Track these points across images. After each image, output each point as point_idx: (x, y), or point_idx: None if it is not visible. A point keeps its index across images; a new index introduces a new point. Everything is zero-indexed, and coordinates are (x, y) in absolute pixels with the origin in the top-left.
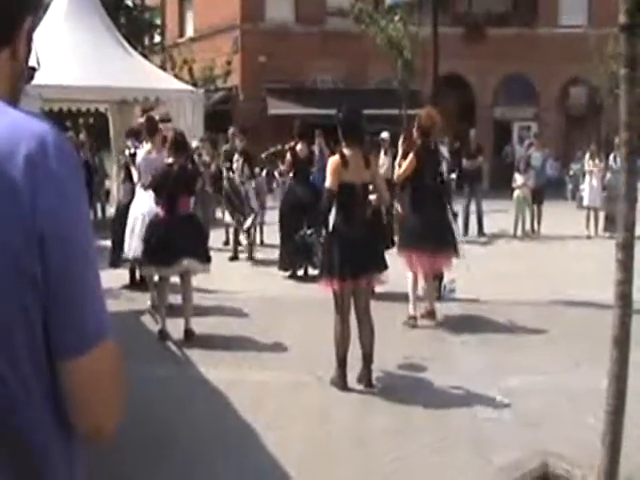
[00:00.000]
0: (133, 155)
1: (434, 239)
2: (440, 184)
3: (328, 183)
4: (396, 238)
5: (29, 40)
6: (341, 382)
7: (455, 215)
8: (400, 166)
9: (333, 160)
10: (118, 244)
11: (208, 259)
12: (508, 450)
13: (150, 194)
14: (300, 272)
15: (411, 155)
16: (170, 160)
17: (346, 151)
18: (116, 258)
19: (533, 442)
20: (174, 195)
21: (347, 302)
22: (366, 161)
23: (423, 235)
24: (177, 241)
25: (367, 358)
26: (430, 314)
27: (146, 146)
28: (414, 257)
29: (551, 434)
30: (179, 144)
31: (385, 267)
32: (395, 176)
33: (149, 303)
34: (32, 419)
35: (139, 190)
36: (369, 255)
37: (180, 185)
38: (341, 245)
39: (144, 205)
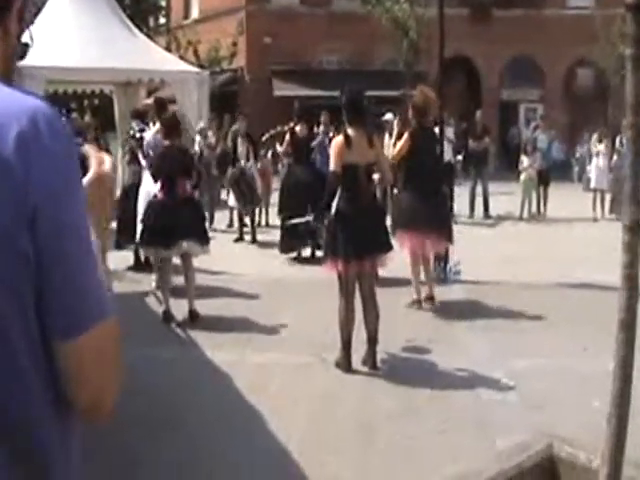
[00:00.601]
0: (140, 139)
1: (426, 220)
2: (437, 165)
3: (332, 166)
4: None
5: (20, 18)
6: (346, 364)
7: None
8: (395, 146)
9: (336, 141)
10: (123, 226)
11: (207, 241)
12: (512, 432)
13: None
14: (306, 253)
15: (406, 135)
16: (166, 142)
17: (350, 131)
18: (122, 240)
19: (538, 425)
20: (172, 177)
21: (352, 284)
22: (370, 141)
23: (415, 216)
24: (176, 223)
25: (372, 340)
26: (429, 299)
27: (154, 127)
28: (406, 237)
29: (556, 417)
30: (171, 126)
31: (390, 248)
32: (390, 156)
33: (154, 285)
34: (31, 415)
35: (147, 173)
36: (373, 236)
37: (178, 167)
38: (345, 227)
39: (151, 187)
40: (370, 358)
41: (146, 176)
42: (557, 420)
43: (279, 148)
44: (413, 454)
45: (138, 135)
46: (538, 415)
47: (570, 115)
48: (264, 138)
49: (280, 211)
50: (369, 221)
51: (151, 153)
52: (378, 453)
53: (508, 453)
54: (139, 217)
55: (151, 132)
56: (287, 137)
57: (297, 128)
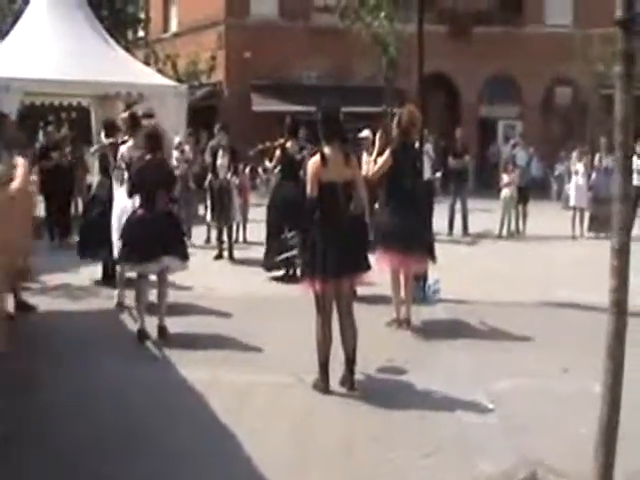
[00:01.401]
0: (113, 144)
1: (407, 239)
2: (418, 183)
3: (308, 189)
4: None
5: None
6: (323, 385)
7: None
8: (375, 162)
9: (312, 162)
10: (85, 237)
11: (187, 256)
12: (494, 456)
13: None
14: (290, 272)
15: (387, 152)
16: (148, 156)
17: (326, 150)
18: (85, 251)
19: (519, 448)
20: (152, 191)
21: (329, 303)
22: (346, 159)
23: (395, 234)
24: (157, 238)
25: (350, 361)
26: (405, 321)
27: (129, 141)
28: (386, 256)
29: (538, 440)
30: (153, 139)
31: (368, 267)
32: (370, 173)
33: (115, 301)
34: None
35: (118, 187)
36: (351, 255)
37: (158, 181)
38: (323, 245)
39: (124, 201)
40: (348, 379)
41: (119, 191)
42: (539, 443)
43: (268, 164)
44: (392, 478)
45: (112, 140)
46: (519, 438)
47: (549, 132)
48: (251, 152)
49: (268, 227)
50: (348, 240)
51: (123, 166)
52: (358, 477)
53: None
54: (114, 232)
55: (125, 146)
56: (277, 153)
57: (288, 144)
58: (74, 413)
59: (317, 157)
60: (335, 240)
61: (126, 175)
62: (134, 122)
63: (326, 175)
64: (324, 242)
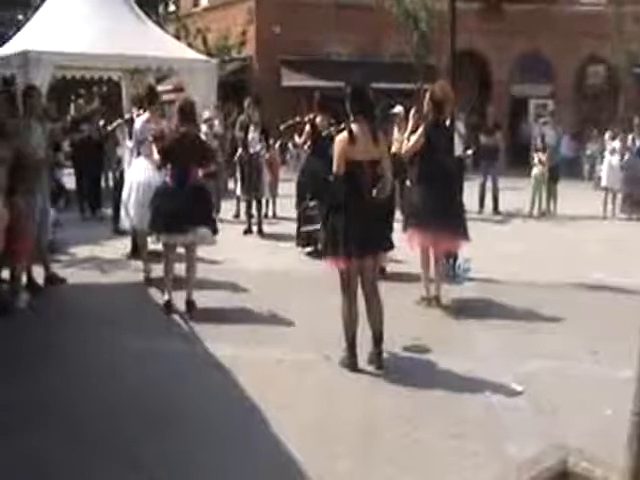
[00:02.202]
0: (129, 120)
1: (438, 218)
2: (451, 161)
3: (335, 167)
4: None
5: None
6: (351, 363)
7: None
8: (409, 140)
9: (339, 139)
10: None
11: (215, 231)
12: (522, 438)
13: (146, 163)
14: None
15: (420, 129)
16: (182, 129)
17: (354, 127)
18: (117, 223)
19: (548, 431)
20: (185, 165)
21: (354, 281)
22: (374, 137)
23: (427, 213)
24: (185, 211)
25: (377, 339)
26: (434, 299)
27: (144, 115)
28: (417, 235)
29: (567, 423)
30: (185, 113)
31: (391, 247)
32: (403, 150)
33: (143, 275)
34: None
35: (133, 158)
36: (376, 234)
37: (191, 155)
38: (347, 223)
39: (139, 174)
40: (376, 357)
41: (134, 162)
42: (568, 427)
43: (297, 139)
44: (418, 458)
45: (128, 116)
46: (548, 421)
47: (581, 112)
48: (282, 127)
49: (298, 203)
50: (372, 218)
51: (146, 138)
52: (383, 456)
53: (521, 467)
54: (128, 204)
55: (140, 118)
56: (307, 128)
57: (317, 120)
58: (98, 384)
59: (344, 134)
60: (359, 219)
61: (153, 147)
62: (152, 95)
63: (353, 153)
64: (348, 220)
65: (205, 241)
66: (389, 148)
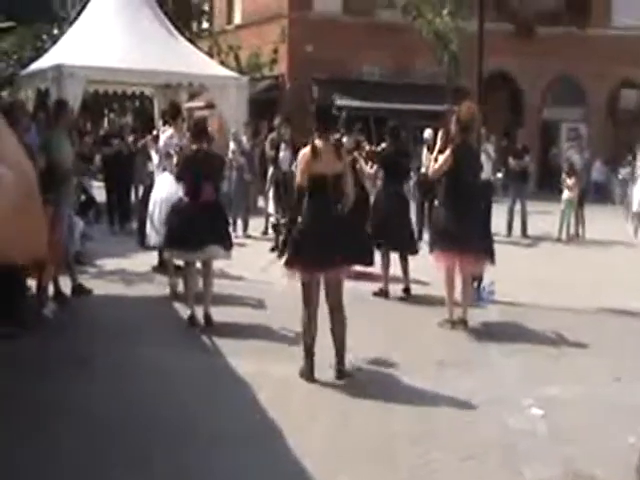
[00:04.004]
0: (156, 136)
1: (464, 240)
2: (478, 183)
3: (298, 179)
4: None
5: None
6: (308, 373)
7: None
8: (436, 161)
9: (303, 153)
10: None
11: (231, 245)
12: (540, 464)
13: (170, 178)
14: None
15: (448, 151)
16: (194, 146)
17: (317, 142)
18: (142, 236)
19: (566, 457)
20: (198, 181)
21: (314, 293)
22: (337, 152)
23: (453, 235)
24: (200, 227)
25: (339, 350)
26: (462, 322)
27: (168, 130)
28: (442, 256)
29: (586, 450)
30: (200, 130)
31: (357, 261)
32: (430, 171)
33: (168, 290)
34: None
35: (158, 174)
36: (338, 248)
37: (204, 171)
38: (308, 236)
39: (162, 190)
40: (337, 369)
41: (158, 178)
42: (586, 453)
43: None
44: (434, 479)
45: (155, 133)
46: (567, 447)
47: (613, 136)
48: None
49: None
50: (335, 232)
51: (169, 153)
52: (399, 476)
53: None
54: (153, 219)
55: (165, 134)
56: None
57: (344, 139)
58: (119, 395)
59: (307, 149)
60: (321, 232)
61: (174, 161)
62: (175, 111)
63: (316, 167)
64: (309, 233)
65: (219, 257)
66: (353, 165)
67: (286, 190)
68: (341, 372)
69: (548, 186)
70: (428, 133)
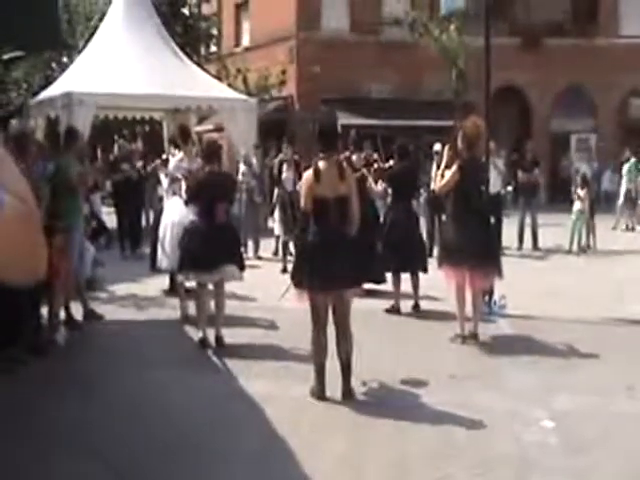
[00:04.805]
0: (165, 160)
1: (473, 255)
2: (485, 198)
3: (302, 204)
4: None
5: None
6: (319, 391)
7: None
8: (443, 177)
9: (306, 177)
10: (156, 248)
11: (242, 267)
12: (551, 476)
13: (180, 202)
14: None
15: (455, 166)
16: (207, 167)
17: (320, 164)
18: (154, 261)
19: (579, 470)
20: (211, 202)
21: (322, 312)
22: (341, 174)
23: (461, 250)
24: (213, 249)
25: (345, 369)
26: (473, 336)
27: (179, 154)
28: (451, 271)
29: (599, 462)
30: (211, 152)
31: (361, 282)
32: (436, 187)
33: (179, 313)
34: None
35: (168, 198)
36: (342, 270)
37: (217, 192)
38: (312, 258)
39: (173, 214)
40: (345, 388)
41: (168, 203)
42: (600, 466)
43: None
44: None
45: (164, 157)
46: (580, 459)
47: (623, 146)
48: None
49: None
50: (338, 255)
51: (175, 177)
52: None
53: None
54: (164, 243)
55: (175, 158)
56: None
57: (353, 157)
58: (131, 418)
59: (310, 172)
60: (325, 255)
61: (183, 185)
62: (184, 135)
63: (319, 190)
64: (314, 255)
65: (233, 278)
66: (362, 184)
67: (292, 210)
68: (347, 392)
69: (559, 198)
70: (438, 147)
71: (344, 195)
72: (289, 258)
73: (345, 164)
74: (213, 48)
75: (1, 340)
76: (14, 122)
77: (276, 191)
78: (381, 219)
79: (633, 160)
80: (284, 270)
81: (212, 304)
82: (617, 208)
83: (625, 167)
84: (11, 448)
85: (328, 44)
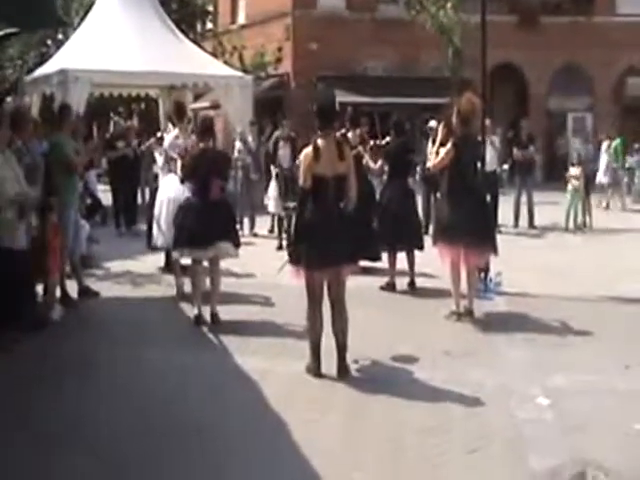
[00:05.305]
0: (160, 139)
1: (467, 233)
2: (480, 175)
3: (301, 181)
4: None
5: None
6: (314, 368)
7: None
8: (437, 154)
9: (305, 154)
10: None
11: (238, 244)
12: (547, 454)
13: (175, 179)
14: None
15: (449, 144)
16: (201, 144)
17: (319, 142)
18: (150, 238)
19: (575, 447)
20: (206, 179)
21: (318, 289)
22: (340, 153)
23: (455, 227)
24: (209, 225)
25: (341, 347)
26: (468, 313)
27: (174, 131)
28: (446, 249)
29: (595, 439)
30: (205, 128)
31: (360, 258)
32: (431, 164)
33: (175, 291)
34: None
35: (163, 176)
36: (339, 248)
37: (211, 169)
38: (309, 236)
39: (169, 191)
40: (341, 364)
41: (163, 179)
42: (596, 443)
43: None
44: (441, 471)
45: (159, 135)
46: (575, 437)
47: (620, 124)
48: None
49: None
50: (335, 232)
51: (171, 155)
52: (405, 469)
53: (539, 477)
54: (159, 220)
55: (170, 135)
56: None
57: (349, 134)
58: (126, 396)
59: (309, 149)
60: (322, 232)
61: (179, 162)
62: (180, 111)
63: (318, 168)
64: (310, 233)
65: (227, 255)
66: (358, 162)
67: (287, 187)
68: (342, 369)
69: (555, 176)
70: (432, 123)
71: (343, 173)
72: (284, 235)
73: (344, 142)
74: (209, 25)
75: None
76: (9, 99)
77: (272, 169)
78: (377, 196)
79: (619, 139)
80: (279, 247)
81: (207, 281)
82: (605, 187)
83: (612, 145)
84: (3, 435)
85: (324, 21)
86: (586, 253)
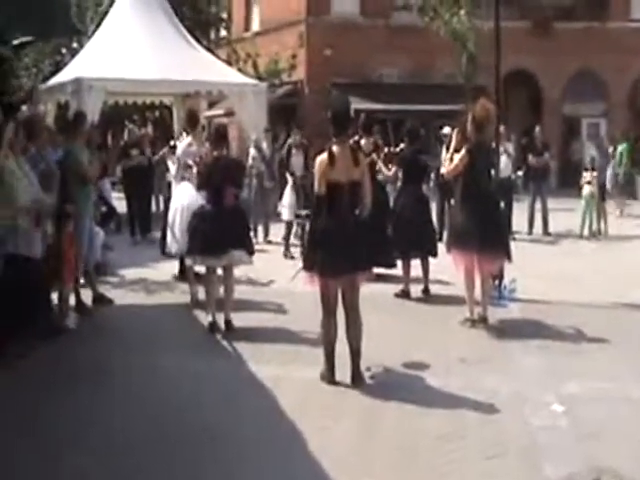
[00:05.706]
0: (173, 147)
1: (481, 240)
2: (494, 182)
3: (316, 188)
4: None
5: None
6: (329, 376)
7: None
8: (451, 160)
9: (320, 160)
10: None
11: (252, 251)
12: (562, 462)
13: (189, 187)
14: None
15: (463, 150)
16: (215, 152)
17: (334, 148)
18: (164, 246)
19: (589, 455)
20: (219, 187)
21: (332, 296)
22: (355, 159)
23: (470, 234)
24: (223, 233)
25: (355, 354)
26: (482, 320)
27: (187, 139)
28: (460, 256)
29: (610, 447)
30: (219, 136)
31: (370, 267)
32: (445, 171)
33: (189, 298)
34: None
35: (176, 184)
36: (353, 255)
37: (226, 177)
38: (323, 243)
39: (182, 199)
40: (355, 372)
41: (177, 188)
42: (609, 449)
43: None
44: (456, 477)
45: (172, 143)
46: (589, 444)
47: (635, 130)
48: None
49: None
50: (350, 239)
51: (188, 162)
52: (419, 476)
53: None
54: (173, 228)
55: (183, 143)
56: None
57: (362, 142)
58: (140, 402)
59: (324, 155)
60: (337, 239)
61: (194, 170)
62: (193, 120)
63: (333, 175)
64: (325, 241)
65: (241, 262)
66: (372, 169)
67: (299, 195)
68: (356, 376)
69: (570, 182)
70: (447, 130)
71: (357, 180)
72: (291, 242)
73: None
74: (223, 33)
75: (15, 326)
76: (24, 108)
77: (288, 177)
78: (391, 203)
79: (625, 144)
80: (285, 255)
81: (221, 288)
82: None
83: (618, 149)
84: (17, 442)
85: (338, 28)
86: (601, 260)
